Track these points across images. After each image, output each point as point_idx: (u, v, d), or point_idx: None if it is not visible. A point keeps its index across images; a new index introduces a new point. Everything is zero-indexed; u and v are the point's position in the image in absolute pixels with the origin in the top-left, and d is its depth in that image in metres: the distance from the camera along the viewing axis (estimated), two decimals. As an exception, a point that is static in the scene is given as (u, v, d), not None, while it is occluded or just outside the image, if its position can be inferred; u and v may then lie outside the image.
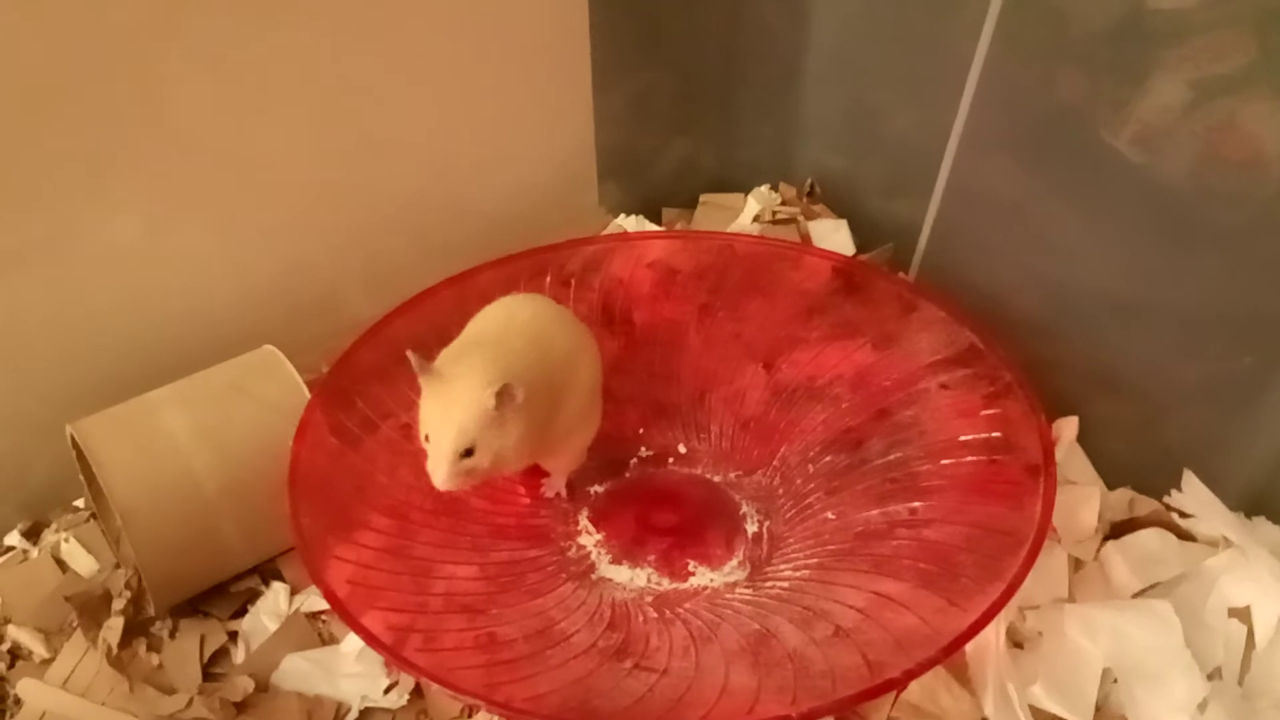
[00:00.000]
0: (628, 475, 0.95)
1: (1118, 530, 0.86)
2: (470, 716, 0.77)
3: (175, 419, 0.82)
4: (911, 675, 0.67)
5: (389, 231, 1.02)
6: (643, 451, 0.96)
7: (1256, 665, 0.77)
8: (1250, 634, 0.78)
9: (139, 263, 0.89)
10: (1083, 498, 0.86)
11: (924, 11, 1.00)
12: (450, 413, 0.73)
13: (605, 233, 1.16)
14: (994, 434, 0.83)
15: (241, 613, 0.85)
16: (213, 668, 0.82)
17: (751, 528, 0.89)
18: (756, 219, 1.19)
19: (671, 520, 0.90)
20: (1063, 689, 0.75)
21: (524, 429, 0.76)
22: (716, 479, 0.94)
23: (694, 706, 0.69)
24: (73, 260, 0.86)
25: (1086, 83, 0.83)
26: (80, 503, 0.93)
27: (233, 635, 0.84)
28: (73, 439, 0.82)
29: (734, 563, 0.87)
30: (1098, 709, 0.75)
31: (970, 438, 0.85)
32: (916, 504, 0.84)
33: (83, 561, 0.89)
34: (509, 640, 0.76)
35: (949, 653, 0.67)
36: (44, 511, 0.93)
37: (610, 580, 0.85)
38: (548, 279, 0.97)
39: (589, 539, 0.89)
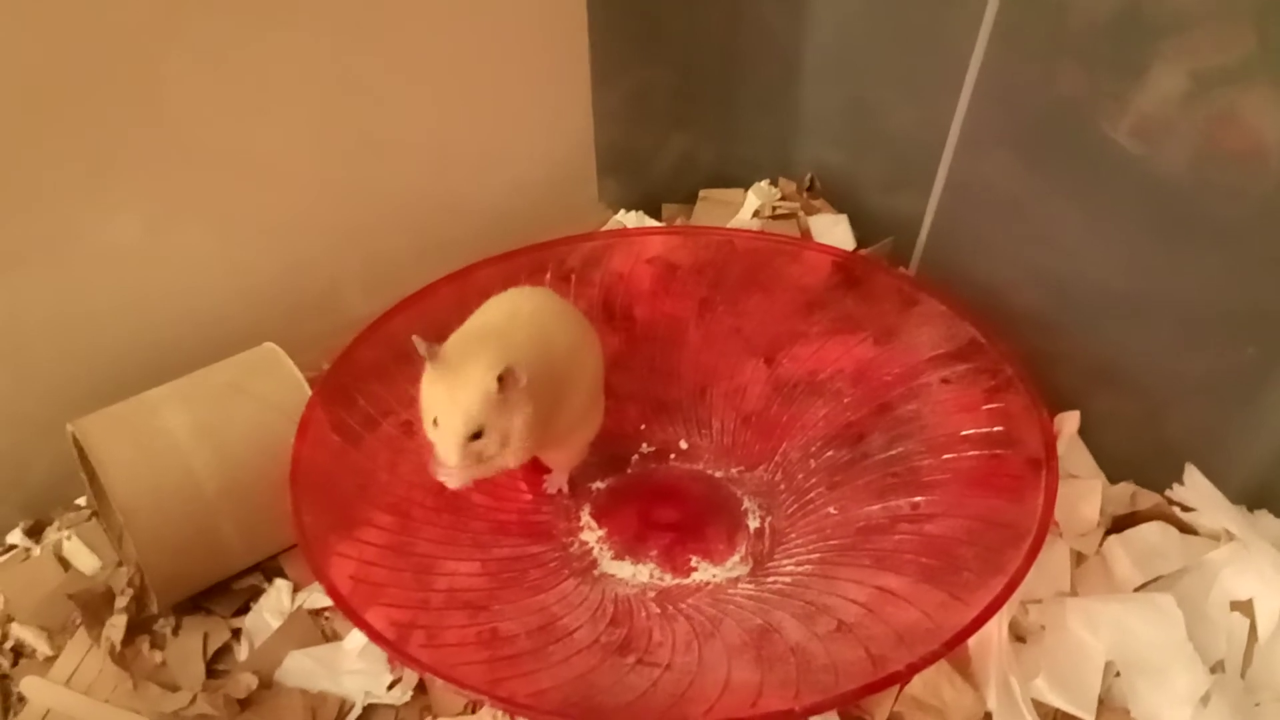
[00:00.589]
0: (629, 471, 0.95)
1: (1119, 524, 0.86)
2: (473, 712, 0.77)
3: (176, 417, 0.82)
4: (914, 669, 0.67)
5: (389, 229, 1.02)
6: (644, 447, 0.96)
7: (1258, 658, 0.77)
8: (1253, 627, 0.78)
9: (139, 262, 0.89)
10: (1084, 492, 0.86)
11: (923, 6, 1.01)
12: (456, 396, 0.73)
13: (605, 229, 1.16)
14: (995, 428, 0.83)
15: (244, 610, 0.85)
16: (216, 665, 0.82)
17: (753, 523, 0.89)
18: (756, 214, 1.19)
19: (673, 516, 0.91)
20: (1065, 682, 0.75)
21: (529, 415, 0.76)
22: (718, 475, 0.94)
23: (697, 701, 0.69)
24: (73, 259, 0.86)
25: (1085, 76, 0.83)
26: (82, 501, 0.93)
27: (236, 632, 0.84)
28: (74, 437, 0.82)
29: (736, 558, 0.87)
30: (1100, 702, 0.75)
31: (971, 432, 0.85)
32: (918, 498, 0.84)
33: (85, 559, 0.89)
34: (511, 636, 0.76)
35: (951, 647, 0.67)
36: (46, 510, 0.93)
37: (612, 576, 0.86)
38: (548, 275, 0.97)
39: (591, 535, 0.89)
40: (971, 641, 0.76)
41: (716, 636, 0.77)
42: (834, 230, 1.16)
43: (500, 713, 0.75)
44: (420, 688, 0.79)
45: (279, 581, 0.87)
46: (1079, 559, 0.84)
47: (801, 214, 1.19)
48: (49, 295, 0.86)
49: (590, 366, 0.86)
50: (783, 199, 1.21)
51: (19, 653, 0.83)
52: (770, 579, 0.84)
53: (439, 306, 0.90)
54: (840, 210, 1.19)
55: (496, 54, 1.01)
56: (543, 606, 0.81)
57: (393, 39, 0.93)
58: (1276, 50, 0.70)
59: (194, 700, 0.78)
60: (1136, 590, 0.81)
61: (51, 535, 0.91)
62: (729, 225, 1.17)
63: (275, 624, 0.83)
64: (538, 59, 1.04)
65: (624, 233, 1.12)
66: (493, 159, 1.07)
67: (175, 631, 0.83)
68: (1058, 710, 0.75)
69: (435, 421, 0.75)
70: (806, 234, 1.16)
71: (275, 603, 0.85)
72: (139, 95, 0.83)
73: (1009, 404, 0.83)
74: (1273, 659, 0.76)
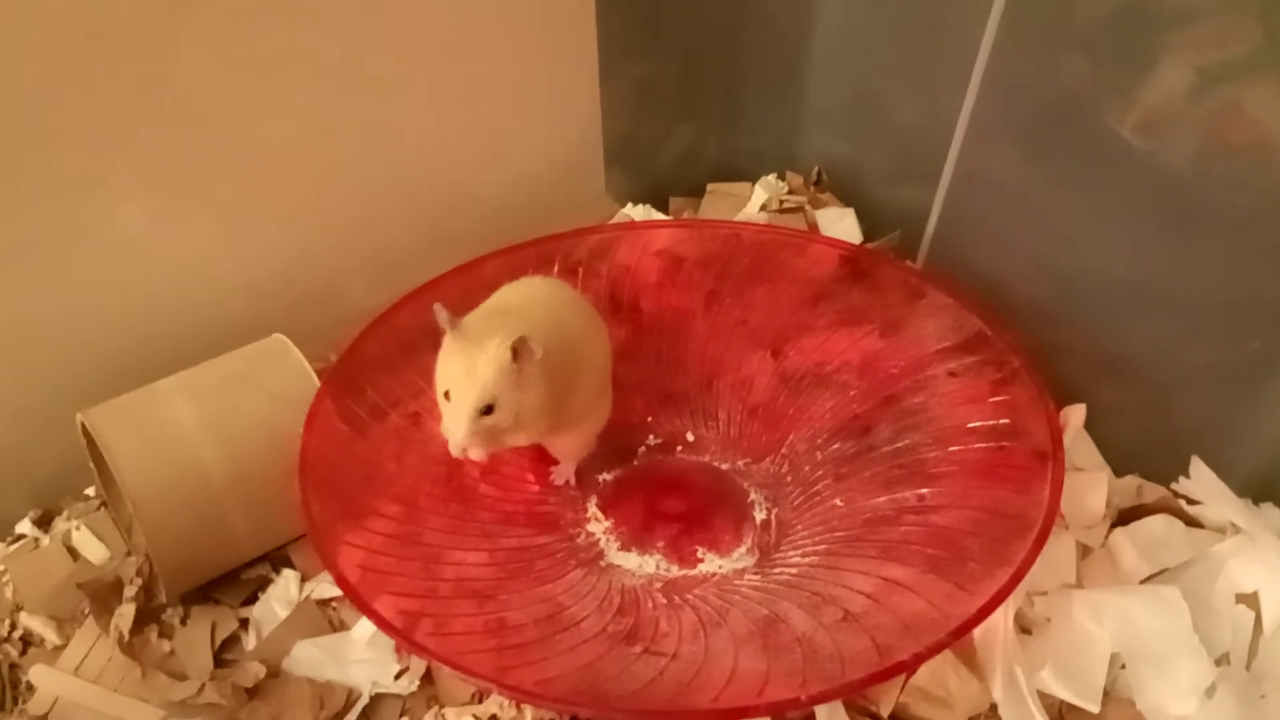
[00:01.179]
0: (636, 463, 0.95)
1: (1125, 517, 0.86)
2: (480, 701, 0.77)
3: (185, 408, 0.83)
4: (920, 659, 0.67)
5: (395, 221, 1.02)
6: (651, 439, 0.97)
7: (1264, 650, 0.77)
8: (1258, 619, 0.78)
9: (146, 254, 0.90)
10: (1090, 484, 0.86)
11: (930, -2, 1.01)
12: (472, 368, 0.74)
13: (612, 222, 1.16)
14: (1002, 420, 0.84)
15: (252, 600, 0.86)
16: (224, 654, 0.82)
17: (760, 515, 0.90)
18: (763, 208, 1.19)
19: (680, 507, 0.91)
20: (1071, 674, 0.75)
21: (543, 392, 0.76)
22: (724, 466, 0.94)
23: (703, 690, 0.69)
24: (80, 252, 0.86)
25: (1092, 69, 0.83)
26: (91, 491, 0.94)
27: (244, 622, 0.84)
28: (83, 427, 0.83)
29: (742, 549, 0.87)
30: (1105, 694, 0.75)
31: (978, 424, 0.85)
32: (924, 490, 0.84)
33: (94, 549, 0.89)
34: (518, 625, 0.77)
35: (957, 636, 0.67)
36: (55, 500, 0.93)
37: (619, 567, 0.86)
38: (555, 268, 0.97)
39: (598, 526, 0.89)
40: (977, 633, 0.76)
41: (723, 626, 0.78)
42: (840, 224, 1.16)
43: (507, 702, 0.76)
44: (427, 677, 0.79)
45: (287, 572, 0.87)
46: (1085, 551, 0.84)
47: (808, 207, 1.19)
48: (57, 287, 0.87)
49: (600, 354, 0.86)
50: (790, 193, 1.22)
51: (28, 642, 0.83)
52: (777, 570, 0.84)
53: (446, 299, 0.89)
54: (847, 203, 1.19)
55: (504, 46, 1.01)
56: (550, 596, 0.81)
57: (399, 31, 0.93)
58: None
59: (202, 689, 0.78)
60: (1142, 582, 0.81)
61: (60, 525, 0.91)
62: (736, 219, 1.17)
63: (283, 614, 0.84)
64: (545, 51, 1.04)
65: (631, 225, 1.12)
66: (500, 152, 1.07)
67: (183, 621, 0.84)
68: (1063, 701, 0.75)
69: (447, 394, 0.75)
70: (813, 227, 1.16)
71: (283, 593, 0.86)
72: (145, 88, 0.83)
73: (1015, 396, 0.83)
74: (1278, 651, 0.76)
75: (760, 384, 0.98)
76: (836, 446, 0.91)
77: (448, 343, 0.76)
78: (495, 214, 1.03)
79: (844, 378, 0.95)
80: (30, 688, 0.80)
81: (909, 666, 0.71)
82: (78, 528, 0.90)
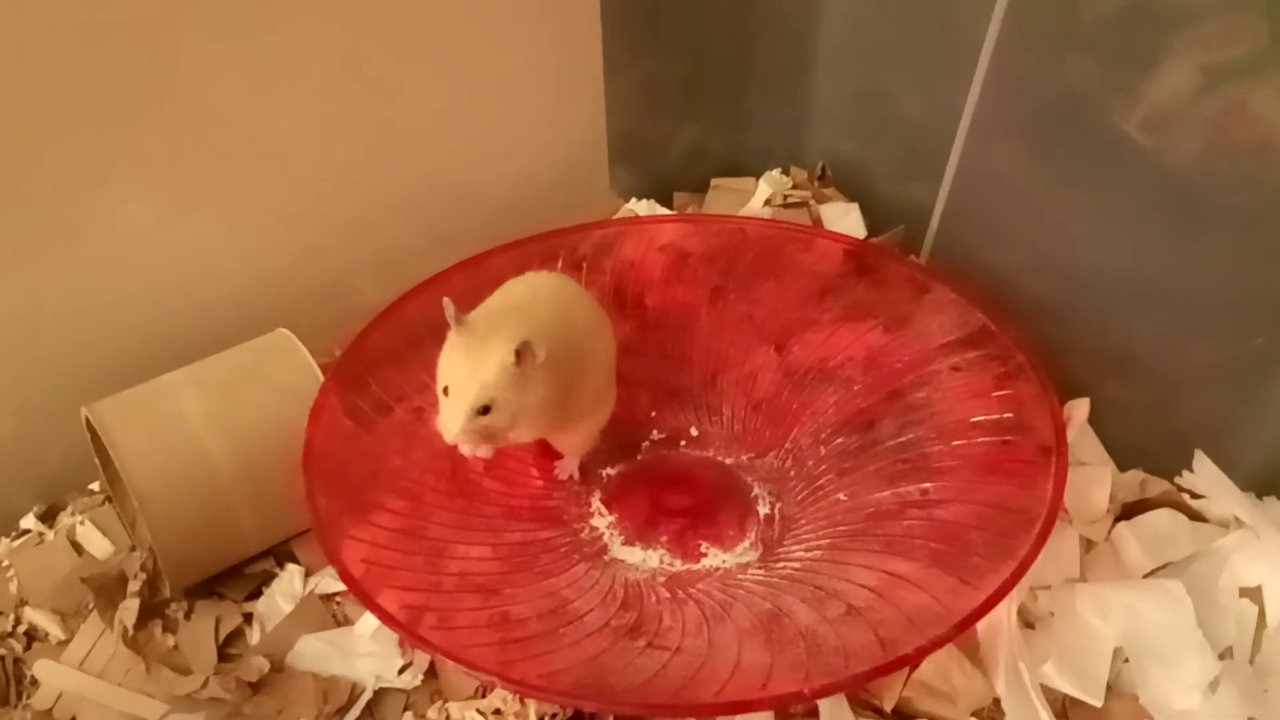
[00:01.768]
0: (640, 458, 0.95)
1: (1129, 511, 0.86)
2: (484, 695, 0.77)
3: (190, 402, 0.83)
4: (924, 652, 0.67)
5: (400, 217, 1.02)
6: (655, 434, 0.97)
7: (1268, 644, 0.77)
8: (1261, 613, 0.78)
9: (151, 250, 0.90)
10: (1094, 479, 0.86)
11: (934, -6, 1.01)
12: (474, 367, 0.74)
13: (616, 217, 1.16)
14: (1006, 415, 0.84)
15: (256, 594, 0.86)
16: (228, 649, 0.82)
17: (763, 509, 0.90)
18: (768, 203, 1.19)
19: (684, 502, 0.91)
20: (1074, 668, 0.75)
21: (544, 393, 0.76)
22: (728, 461, 0.94)
23: (707, 683, 0.69)
24: (86, 248, 0.86)
25: (1097, 67, 0.83)
26: (95, 486, 0.94)
27: (248, 617, 0.84)
28: (88, 422, 0.83)
29: (746, 544, 0.87)
30: (1109, 688, 0.75)
31: (982, 419, 0.85)
32: (928, 485, 0.84)
33: (98, 544, 0.89)
34: (522, 619, 0.77)
35: (961, 629, 0.67)
36: (59, 495, 0.94)
37: (623, 561, 0.86)
38: (559, 263, 0.97)
39: (601, 521, 0.89)
40: (981, 627, 0.76)
41: (727, 620, 0.78)
42: (845, 219, 1.16)
43: (511, 696, 0.76)
44: (431, 672, 0.79)
45: (291, 566, 0.87)
46: (1088, 546, 0.84)
47: (813, 203, 1.19)
48: (62, 283, 0.87)
49: (605, 350, 0.86)
50: (794, 188, 1.21)
51: (32, 636, 0.84)
52: (780, 564, 0.84)
53: (451, 293, 0.89)
54: (851, 198, 1.19)
55: (509, 42, 1.01)
56: (554, 590, 0.81)
57: (405, 27, 0.94)
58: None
59: (206, 683, 0.78)
60: (1146, 577, 0.81)
61: (65, 520, 0.91)
62: (740, 214, 1.16)
63: (287, 608, 0.84)
64: (550, 47, 1.04)
65: (636, 220, 1.12)
66: (505, 147, 1.07)
67: (188, 615, 0.84)
68: (1066, 695, 0.75)
69: (446, 390, 0.75)
70: (818, 223, 1.16)
71: (287, 587, 0.86)
72: (150, 85, 0.83)
73: (1019, 391, 0.83)
74: (1282, 645, 0.77)
75: (764, 379, 0.98)
76: (840, 441, 0.91)
77: (452, 338, 0.76)
78: (500, 210, 1.03)
79: (848, 373, 0.95)
80: (35, 682, 0.80)
81: (912, 660, 0.71)
82: (82, 522, 0.90)
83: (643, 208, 1.19)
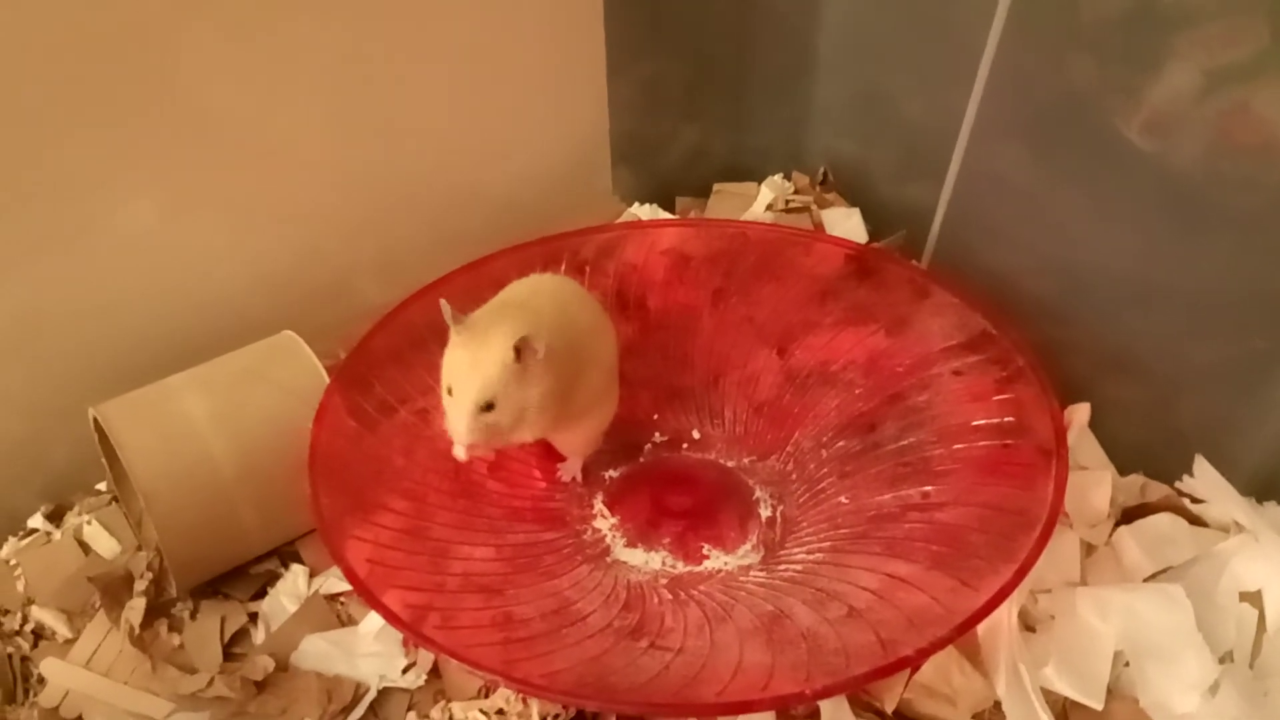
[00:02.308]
0: (642, 460, 0.96)
1: (1129, 515, 0.86)
2: (487, 695, 0.77)
3: (196, 403, 0.83)
4: (925, 653, 0.67)
5: (404, 219, 1.03)
6: (657, 436, 0.97)
7: (1267, 647, 0.77)
8: (1261, 617, 0.78)
9: (156, 250, 0.90)
10: (1094, 482, 0.86)
11: (936, -3, 1.01)
12: (475, 364, 0.74)
13: (619, 221, 1.17)
14: (1006, 418, 0.84)
15: (261, 594, 0.86)
16: (233, 648, 0.83)
17: (765, 511, 0.90)
18: (769, 208, 1.19)
19: (686, 504, 0.91)
20: (1074, 670, 0.75)
21: (546, 389, 0.77)
22: (730, 464, 0.95)
23: (709, 683, 0.70)
24: (91, 248, 0.87)
25: (1098, 69, 0.83)
26: (102, 486, 0.94)
27: (253, 616, 0.85)
28: (95, 422, 0.83)
29: (748, 546, 0.87)
30: (1109, 691, 0.75)
31: (983, 422, 0.85)
32: (929, 487, 0.84)
33: (105, 543, 0.90)
34: (525, 619, 0.77)
35: (962, 631, 0.67)
36: (66, 494, 0.94)
37: (625, 563, 0.86)
38: (562, 266, 0.98)
39: (604, 522, 0.90)
40: (981, 629, 0.76)
41: (728, 621, 0.78)
42: (846, 224, 1.16)
43: (514, 695, 0.76)
44: (434, 671, 0.79)
45: (295, 567, 0.87)
46: (1089, 549, 0.84)
47: (814, 207, 1.19)
48: (69, 283, 0.87)
49: (607, 351, 0.87)
50: (796, 192, 1.22)
51: (39, 635, 0.84)
52: (782, 566, 0.84)
53: (454, 296, 0.89)
54: (852, 201, 1.20)
55: (512, 45, 1.01)
56: (556, 591, 0.81)
57: (408, 29, 0.94)
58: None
59: (211, 682, 0.79)
60: (1146, 580, 0.81)
61: (72, 519, 0.92)
62: (742, 218, 1.17)
63: (292, 608, 0.84)
64: (553, 50, 1.05)
65: (638, 224, 1.12)
66: (508, 150, 1.07)
67: (193, 615, 0.84)
68: (1066, 698, 0.75)
69: (450, 390, 0.75)
70: (819, 227, 1.16)
71: (292, 587, 0.86)
72: (155, 85, 0.83)
73: (1020, 394, 0.84)
74: (1281, 648, 0.77)
75: (766, 382, 0.98)
76: (842, 444, 0.92)
77: (453, 338, 0.76)
78: (503, 212, 1.04)
79: (849, 376, 0.95)
80: (41, 680, 0.81)
81: (913, 661, 0.71)
82: (89, 522, 0.91)
83: (645, 212, 1.19)
